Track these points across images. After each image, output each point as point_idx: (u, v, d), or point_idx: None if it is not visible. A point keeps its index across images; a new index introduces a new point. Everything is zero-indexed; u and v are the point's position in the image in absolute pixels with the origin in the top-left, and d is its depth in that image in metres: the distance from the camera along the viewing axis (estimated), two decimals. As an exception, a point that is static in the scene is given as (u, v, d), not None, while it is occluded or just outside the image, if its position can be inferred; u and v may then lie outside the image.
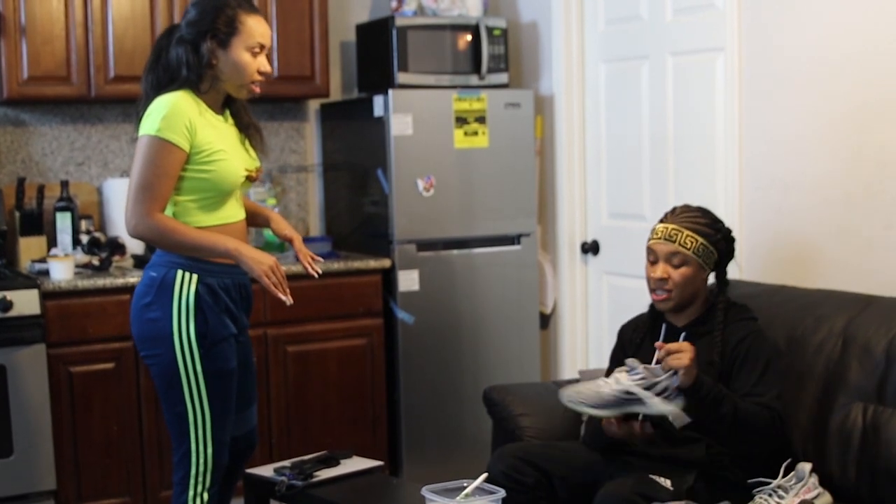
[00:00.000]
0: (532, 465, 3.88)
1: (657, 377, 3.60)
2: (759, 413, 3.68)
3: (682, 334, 3.88)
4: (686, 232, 3.88)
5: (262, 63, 3.98)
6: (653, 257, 3.94)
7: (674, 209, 4.01)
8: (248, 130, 4.15)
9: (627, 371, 3.66)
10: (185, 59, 3.91)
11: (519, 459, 3.89)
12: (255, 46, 3.94)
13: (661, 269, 3.90)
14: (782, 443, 3.80)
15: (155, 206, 3.83)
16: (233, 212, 4.05)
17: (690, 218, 3.93)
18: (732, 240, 4.00)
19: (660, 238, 3.92)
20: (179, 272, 3.89)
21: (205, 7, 3.94)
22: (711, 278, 4.01)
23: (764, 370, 3.79)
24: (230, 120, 4.11)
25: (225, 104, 4.11)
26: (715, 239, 3.91)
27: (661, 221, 3.98)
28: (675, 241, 3.87)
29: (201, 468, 3.97)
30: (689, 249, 3.86)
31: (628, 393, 3.62)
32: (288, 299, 3.91)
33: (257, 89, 4.03)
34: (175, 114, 3.82)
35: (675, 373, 3.57)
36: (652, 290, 3.95)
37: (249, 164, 4.07)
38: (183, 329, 3.88)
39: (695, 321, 3.95)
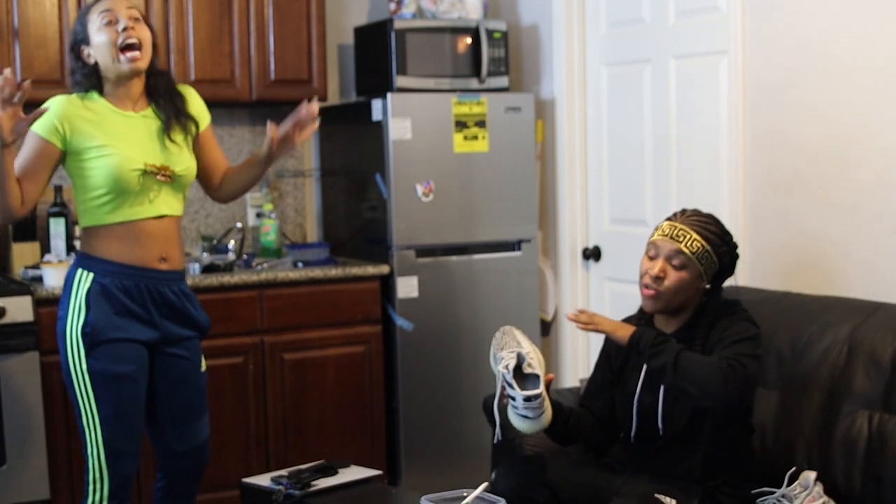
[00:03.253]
0: (544, 483, 3.81)
1: (510, 388, 3.68)
2: (704, 362, 3.61)
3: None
4: (693, 235, 3.76)
5: (117, 25, 3.98)
6: (653, 252, 3.82)
7: (684, 210, 3.90)
8: (170, 124, 4.12)
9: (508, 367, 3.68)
10: (79, 72, 4.05)
11: (530, 477, 3.82)
12: (104, 17, 3.99)
13: (659, 267, 3.77)
14: (740, 394, 3.64)
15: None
16: (142, 209, 4.03)
17: (700, 222, 3.81)
18: (737, 255, 3.88)
19: (665, 235, 3.80)
20: (79, 271, 3.99)
21: (74, 25, 4.11)
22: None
23: (738, 340, 3.68)
24: (151, 116, 4.12)
25: (151, 99, 4.14)
26: (720, 250, 3.79)
27: (669, 220, 3.86)
28: (680, 242, 3.75)
29: (97, 475, 3.99)
30: (693, 253, 3.74)
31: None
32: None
33: (129, 53, 3.99)
34: (53, 113, 3.92)
35: (531, 399, 3.63)
36: (644, 286, 3.83)
37: (157, 160, 4.05)
38: (74, 326, 3.93)
39: (683, 327, 3.85)
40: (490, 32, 5.99)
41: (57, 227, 5.50)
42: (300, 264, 5.73)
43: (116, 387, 3.95)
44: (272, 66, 5.81)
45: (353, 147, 6.10)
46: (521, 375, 3.68)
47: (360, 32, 6.20)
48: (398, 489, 5.40)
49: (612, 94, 5.85)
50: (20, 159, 3.91)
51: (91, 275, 3.95)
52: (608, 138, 5.88)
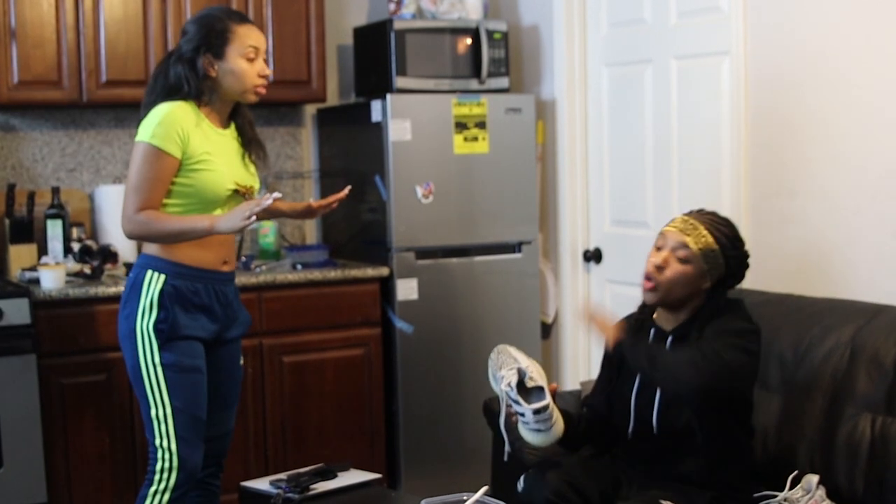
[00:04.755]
0: (577, 491, 3.75)
1: (517, 405, 3.68)
2: (679, 356, 3.65)
3: (669, 338, 3.82)
4: (703, 231, 3.75)
5: (259, 67, 4.17)
6: (661, 242, 3.82)
7: (701, 209, 3.90)
8: (249, 146, 4.30)
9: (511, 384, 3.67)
10: (184, 75, 4.09)
11: (566, 484, 3.75)
12: (249, 52, 4.13)
13: (662, 256, 3.77)
14: (714, 383, 3.61)
15: (141, 206, 4.00)
16: None
17: (714, 222, 3.80)
18: (746, 264, 3.86)
19: (676, 227, 3.80)
20: (149, 272, 4.07)
21: (198, 24, 4.16)
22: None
23: (719, 333, 3.69)
24: (234, 134, 4.26)
25: (231, 118, 4.28)
26: (729, 253, 3.77)
27: (685, 214, 3.87)
28: (688, 235, 3.75)
29: (166, 464, 4.08)
30: (699, 249, 3.73)
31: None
32: (273, 196, 3.89)
33: (262, 91, 4.18)
34: (169, 122, 3.99)
35: (540, 412, 3.64)
36: (644, 276, 3.83)
37: (243, 180, 4.20)
38: (145, 324, 4.03)
39: (682, 324, 3.84)
40: (490, 33, 5.97)
41: (54, 228, 5.48)
42: (299, 266, 5.70)
43: (187, 379, 4.08)
44: (271, 67, 5.74)
45: (353, 148, 6.07)
46: (525, 390, 3.67)
47: (360, 33, 6.18)
48: (398, 493, 5.38)
49: (612, 95, 5.82)
50: (148, 179, 3.99)
51: (163, 276, 4.04)
52: (609, 139, 5.85)
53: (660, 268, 3.76)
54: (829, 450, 3.86)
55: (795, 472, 3.72)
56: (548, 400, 3.64)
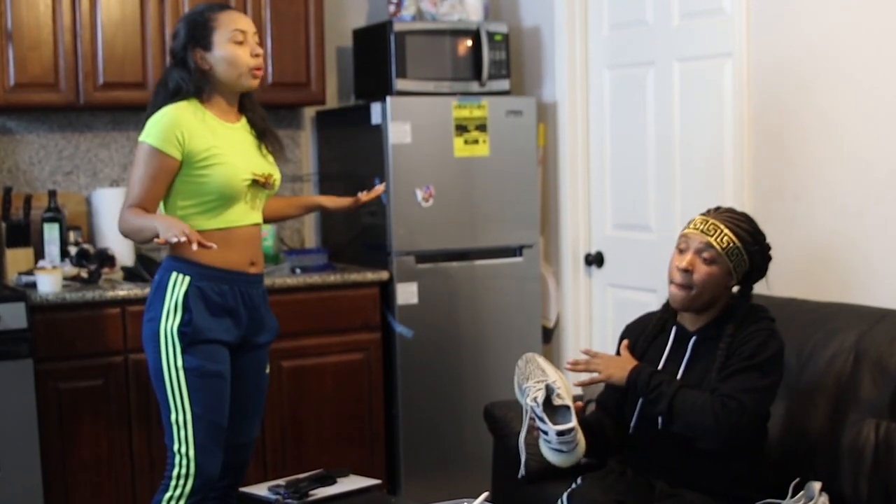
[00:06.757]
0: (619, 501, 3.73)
1: (541, 422, 3.62)
2: (698, 408, 3.60)
3: (693, 338, 3.80)
4: (725, 231, 3.73)
5: (251, 48, 4.15)
6: (683, 245, 3.79)
7: (718, 207, 3.88)
8: (264, 137, 4.30)
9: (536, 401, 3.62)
10: (180, 76, 4.13)
11: (612, 497, 3.71)
12: (236, 35, 4.14)
13: (688, 260, 3.74)
14: (737, 435, 3.62)
15: (133, 203, 4.02)
16: (240, 216, 4.16)
17: (733, 219, 3.79)
18: (769, 257, 3.84)
19: (697, 229, 3.77)
20: (174, 274, 4.06)
21: (182, 23, 4.20)
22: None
23: (747, 367, 3.66)
24: (247, 127, 4.27)
25: (242, 112, 4.29)
26: (752, 249, 3.76)
27: (703, 215, 3.84)
28: (710, 236, 3.72)
29: (183, 471, 4.07)
30: (722, 249, 3.71)
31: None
32: (207, 245, 3.87)
33: (258, 73, 4.18)
34: (168, 123, 4.01)
35: (564, 433, 3.58)
36: (671, 282, 3.80)
37: (261, 169, 4.19)
38: (169, 326, 4.02)
39: (707, 325, 3.82)
40: (491, 35, 5.95)
41: (51, 232, 5.47)
42: (298, 270, 5.68)
43: (209, 384, 4.07)
44: (270, 69, 5.77)
45: (352, 151, 6.06)
46: (551, 407, 3.62)
47: (359, 35, 6.17)
48: (398, 498, 5.39)
49: (614, 98, 5.81)
50: (141, 178, 4.01)
51: (187, 278, 4.04)
52: (611, 142, 5.84)
53: (687, 271, 3.74)
54: (832, 456, 3.84)
55: (798, 478, 3.69)
56: (573, 423, 3.59)
